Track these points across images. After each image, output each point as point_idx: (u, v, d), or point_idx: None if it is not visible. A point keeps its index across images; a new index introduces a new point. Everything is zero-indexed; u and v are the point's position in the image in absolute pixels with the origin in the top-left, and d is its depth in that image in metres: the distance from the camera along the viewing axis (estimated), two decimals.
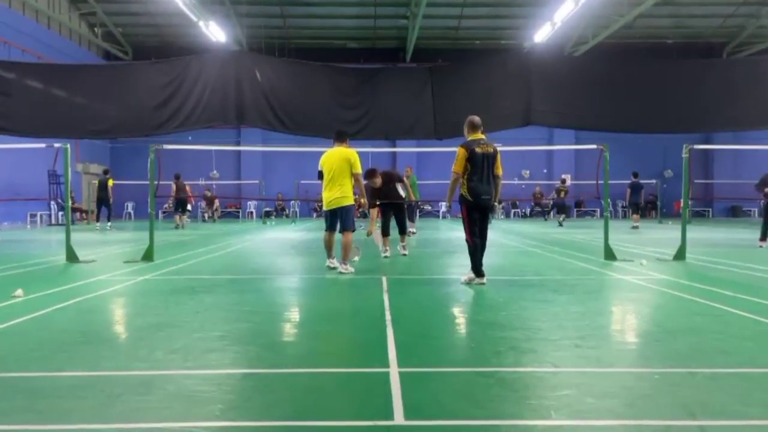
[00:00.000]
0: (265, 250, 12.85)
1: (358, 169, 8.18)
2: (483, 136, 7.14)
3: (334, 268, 8.26)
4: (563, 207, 23.54)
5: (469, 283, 7.07)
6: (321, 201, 8.66)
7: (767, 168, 12.33)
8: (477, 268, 7.07)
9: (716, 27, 28.68)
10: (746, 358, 3.90)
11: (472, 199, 6.94)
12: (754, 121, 12.09)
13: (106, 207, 20.61)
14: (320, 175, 8.26)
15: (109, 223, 20.29)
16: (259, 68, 11.51)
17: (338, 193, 8.08)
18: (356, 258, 9.18)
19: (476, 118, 7.19)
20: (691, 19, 28.06)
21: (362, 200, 9.34)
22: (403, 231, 10.82)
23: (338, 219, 8.25)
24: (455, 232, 18.41)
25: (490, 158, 6.99)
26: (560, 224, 21.94)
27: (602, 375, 3.58)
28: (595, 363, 3.80)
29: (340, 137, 8.41)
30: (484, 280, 7.08)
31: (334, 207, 8.17)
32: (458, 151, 6.99)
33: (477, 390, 3.27)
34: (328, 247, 8.56)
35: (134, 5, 26.50)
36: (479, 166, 6.90)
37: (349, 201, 8.16)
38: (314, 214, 30.32)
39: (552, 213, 23.51)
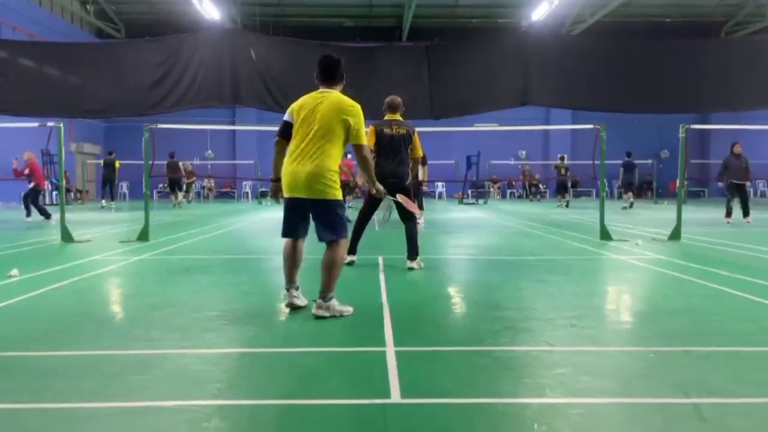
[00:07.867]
0: (260, 230, 12.83)
1: (364, 140, 4.56)
2: (399, 118, 6.87)
3: (301, 307, 4.62)
4: (564, 186, 22.35)
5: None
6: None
7: (764, 148, 12.32)
8: (353, 246, 6.89)
9: (714, 6, 28.46)
10: (741, 338, 3.92)
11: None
12: (752, 101, 12.05)
13: (110, 187, 21.55)
14: (284, 131, 4.54)
15: (107, 202, 21.11)
16: (254, 47, 11.39)
17: (311, 166, 4.33)
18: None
19: (395, 99, 6.88)
20: None
21: (360, 182, 6.22)
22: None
23: (315, 221, 4.49)
24: (452, 213, 18.44)
25: (400, 140, 6.73)
26: (564, 205, 21.25)
27: (597, 354, 3.61)
28: (591, 342, 3.82)
29: (333, 74, 4.59)
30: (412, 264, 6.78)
31: (303, 196, 4.40)
32: (369, 127, 6.57)
33: (473, 369, 3.29)
34: (290, 265, 4.60)
35: None
36: (386, 147, 6.69)
37: (334, 191, 4.41)
38: None
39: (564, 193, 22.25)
